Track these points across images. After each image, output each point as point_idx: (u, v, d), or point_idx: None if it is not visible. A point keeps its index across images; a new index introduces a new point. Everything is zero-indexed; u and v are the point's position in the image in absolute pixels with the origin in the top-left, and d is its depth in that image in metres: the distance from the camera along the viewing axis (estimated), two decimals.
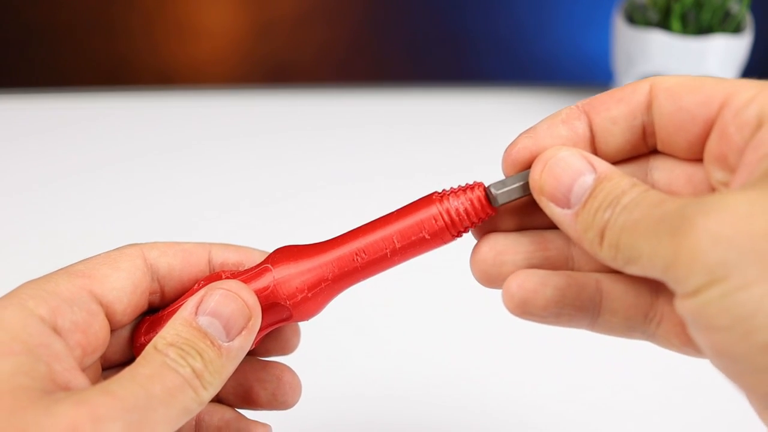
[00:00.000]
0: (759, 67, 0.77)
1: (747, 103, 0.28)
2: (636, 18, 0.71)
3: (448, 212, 0.32)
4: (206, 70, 0.98)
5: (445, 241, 0.33)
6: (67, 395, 0.28)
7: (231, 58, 1.01)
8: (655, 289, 0.31)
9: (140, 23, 0.99)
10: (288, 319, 0.33)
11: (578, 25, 0.99)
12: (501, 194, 0.32)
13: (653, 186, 0.32)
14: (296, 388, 0.37)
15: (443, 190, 0.33)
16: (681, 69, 0.68)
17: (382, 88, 0.82)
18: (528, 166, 0.32)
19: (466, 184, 0.33)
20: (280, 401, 0.36)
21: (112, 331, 0.33)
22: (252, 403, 0.36)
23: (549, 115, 0.33)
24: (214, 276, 0.34)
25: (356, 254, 0.33)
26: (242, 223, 0.67)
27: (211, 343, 0.31)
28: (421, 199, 0.33)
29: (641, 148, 0.32)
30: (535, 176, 0.31)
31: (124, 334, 0.34)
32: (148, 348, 0.30)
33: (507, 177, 0.32)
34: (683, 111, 0.30)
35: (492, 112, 0.79)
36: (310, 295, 0.33)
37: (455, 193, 0.33)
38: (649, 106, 0.31)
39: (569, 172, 0.30)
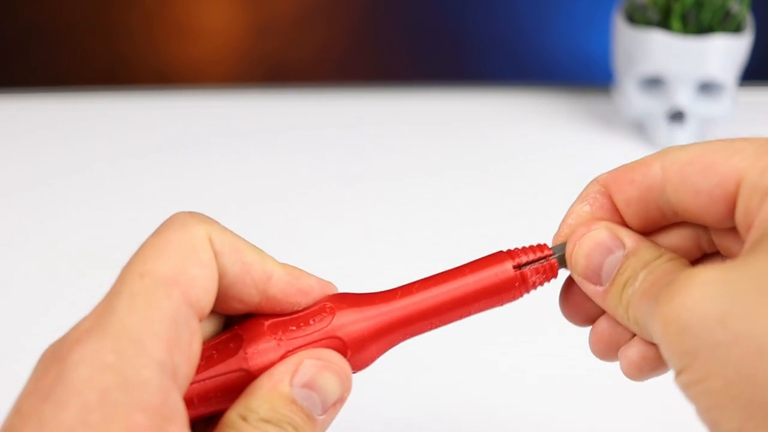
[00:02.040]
0: (759, 67, 0.77)
1: (761, 174, 0.27)
2: (636, 18, 0.71)
3: (523, 280, 0.32)
4: (205, 70, 0.98)
5: (512, 301, 0.33)
6: None
7: (230, 58, 1.01)
8: None
9: (140, 23, 0.99)
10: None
11: (579, 24, 0.99)
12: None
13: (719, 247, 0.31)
14: None
15: (509, 250, 0.33)
16: (681, 69, 0.68)
17: (381, 88, 0.82)
18: None
19: (531, 246, 0.33)
20: None
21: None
22: None
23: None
24: (253, 322, 0.31)
25: (431, 322, 0.32)
26: (242, 223, 0.66)
27: (307, 417, 0.28)
28: (492, 258, 0.33)
29: (668, 221, 0.31)
30: (568, 255, 0.31)
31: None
32: (236, 419, 0.28)
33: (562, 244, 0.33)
34: (702, 195, 0.29)
35: (492, 112, 0.79)
36: (375, 343, 0.31)
37: (528, 258, 0.33)
38: (662, 191, 0.30)
39: (599, 250, 0.30)
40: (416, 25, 1.02)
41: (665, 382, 0.52)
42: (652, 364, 0.31)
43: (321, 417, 0.29)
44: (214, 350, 0.30)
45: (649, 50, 0.68)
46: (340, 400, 0.29)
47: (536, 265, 0.32)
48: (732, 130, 0.75)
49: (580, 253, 0.31)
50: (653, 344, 0.30)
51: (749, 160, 0.28)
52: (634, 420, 0.52)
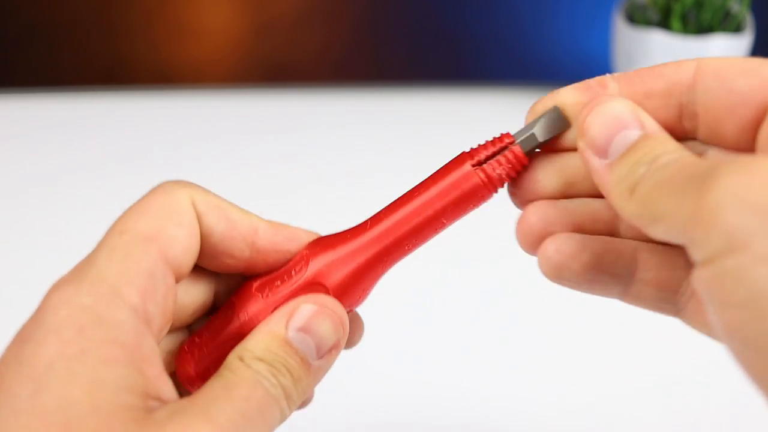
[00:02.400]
0: None
1: None
2: (636, 18, 0.71)
3: (488, 177, 0.31)
4: (205, 70, 0.98)
5: (485, 200, 0.32)
6: (167, 418, 0.26)
7: (230, 58, 1.01)
8: (691, 263, 0.30)
9: (140, 23, 0.99)
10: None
11: (578, 24, 0.99)
12: (531, 137, 0.31)
13: None
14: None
15: (471, 149, 0.32)
16: None
17: (381, 87, 0.82)
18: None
19: (493, 138, 0.32)
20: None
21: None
22: None
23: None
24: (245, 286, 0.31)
25: (406, 244, 0.31)
26: None
27: (302, 360, 0.29)
28: (453, 163, 0.32)
29: (675, 132, 0.29)
30: (581, 118, 0.29)
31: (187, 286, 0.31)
32: (233, 361, 0.28)
33: (527, 124, 0.32)
34: (735, 94, 0.28)
35: (492, 111, 0.79)
36: (358, 286, 0.31)
37: (488, 152, 0.31)
38: (692, 87, 0.29)
39: (616, 123, 0.28)
40: (416, 25, 1.01)
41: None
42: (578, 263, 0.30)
43: (316, 362, 0.29)
44: (216, 320, 0.31)
45: (649, 50, 0.68)
46: (336, 347, 0.30)
47: (498, 157, 0.31)
48: None
49: (594, 120, 0.29)
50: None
51: None
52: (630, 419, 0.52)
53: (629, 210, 0.27)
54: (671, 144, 0.27)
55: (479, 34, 0.99)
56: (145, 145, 0.75)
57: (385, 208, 0.32)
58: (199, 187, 0.30)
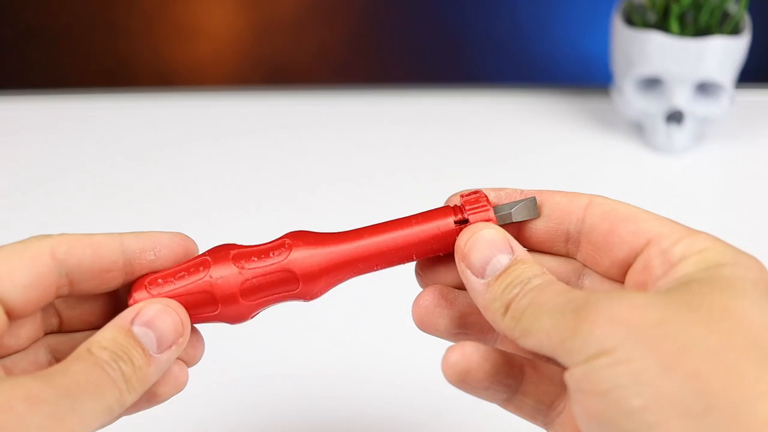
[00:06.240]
0: (757, 68, 0.78)
1: (673, 244, 0.32)
2: (634, 19, 0.71)
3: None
4: (205, 71, 0.98)
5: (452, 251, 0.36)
6: (3, 378, 0.30)
7: (230, 59, 1.01)
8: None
9: (140, 24, 0.99)
10: (297, 298, 0.35)
11: (577, 26, 0.99)
12: (507, 216, 0.36)
13: (580, 288, 0.36)
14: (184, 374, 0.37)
15: (456, 206, 0.36)
16: (679, 70, 0.68)
17: (380, 89, 0.82)
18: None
19: (472, 196, 0.36)
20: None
21: (11, 321, 0.34)
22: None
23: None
24: (222, 248, 0.35)
25: (376, 263, 0.35)
26: (241, 223, 0.67)
27: (143, 351, 0.33)
28: (438, 212, 0.36)
29: (558, 250, 0.36)
30: (461, 244, 0.34)
31: (25, 324, 0.35)
32: (81, 350, 0.32)
33: (506, 204, 0.36)
34: (615, 235, 0.33)
35: (491, 113, 0.79)
36: (325, 284, 0.35)
37: (469, 207, 0.35)
38: (580, 220, 0.35)
39: (491, 248, 0.34)
40: (415, 27, 1.02)
41: None
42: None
43: (157, 355, 0.33)
44: (185, 271, 0.35)
45: (648, 51, 0.69)
46: (176, 344, 0.34)
47: (479, 216, 0.35)
48: (729, 131, 0.75)
49: (473, 245, 0.34)
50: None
51: (665, 230, 0.32)
52: None
53: (503, 325, 0.32)
54: (538, 268, 0.33)
55: (478, 36, 0.99)
56: (146, 146, 0.75)
57: (371, 226, 0.36)
58: (65, 234, 0.35)
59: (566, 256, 0.36)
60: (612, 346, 0.28)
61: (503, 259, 0.33)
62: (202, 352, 0.37)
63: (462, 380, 0.34)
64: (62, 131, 0.78)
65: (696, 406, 0.26)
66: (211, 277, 0.34)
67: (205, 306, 0.35)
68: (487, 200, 0.35)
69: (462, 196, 0.36)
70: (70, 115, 0.79)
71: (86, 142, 0.76)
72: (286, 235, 0.35)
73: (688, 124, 0.71)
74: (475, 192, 0.36)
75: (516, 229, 0.36)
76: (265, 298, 0.35)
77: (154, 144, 0.76)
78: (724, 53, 0.68)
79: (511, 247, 0.34)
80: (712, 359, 0.27)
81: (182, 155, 0.74)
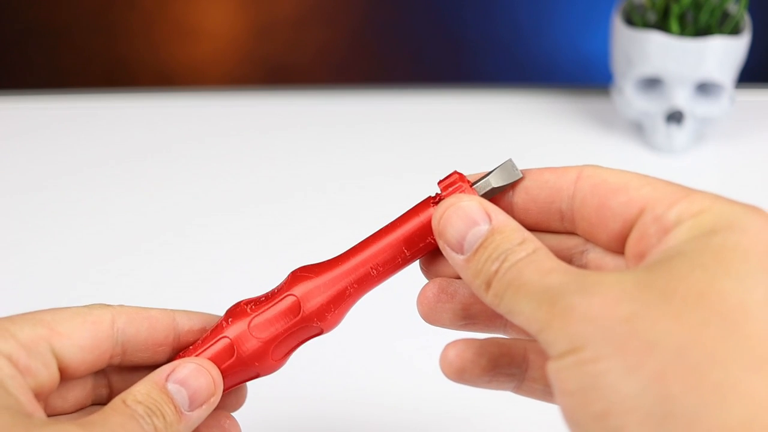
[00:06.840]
0: (757, 68, 0.78)
1: (667, 209, 0.30)
2: (634, 19, 0.71)
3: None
4: (206, 71, 0.98)
5: None
6: (47, 422, 0.31)
7: (230, 60, 1.01)
8: None
9: (140, 24, 0.99)
10: (319, 333, 0.36)
11: (577, 26, 0.99)
12: (486, 183, 0.34)
13: (585, 265, 0.34)
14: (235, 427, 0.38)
15: (437, 194, 0.35)
16: (679, 70, 0.68)
17: (380, 89, 0.82)
18: None
19: (447, 178, 0.35)
20: None
21: (62, 382, 0.34)
22: None
23: None
24: (237, 308, 0.36)
25: (372, 268, 0.35)
26: (241, 224, 0.67)
27: (175, 408, 0.34)
28: (418, 205, 0.35)
29: (556, 227, 0.34)
30: (434, 221, 0.33)
31: (75, 388, 0.36)
32: (116, 401, 0.33)
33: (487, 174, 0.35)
34: (606, 209, 0.32)
35: (491, 113, 0.79)
36: (336, 311, 0.35)
37: (444, 188, 0.35)
38: (571, 197, 0.33)
39: (465, 221, 0.32)
40: (415, 27, 1.02)
41: None
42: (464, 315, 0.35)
43: (188, 413, 0.34)
44: (210, 331, 0.36)
45: (648, 51, 0.69)
46: (207, 403, 0.34)
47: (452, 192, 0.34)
48: (730, 131, 0.75)
49: (447, 220, 0.32)
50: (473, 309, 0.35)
51: (659, 194, 0.31)
52: None
53: (488, 301, 0.31)
54: (516, 236, 0.31)
55: (478, 36, 0.99)
56: (146, 146, 0.75)
57: (363, 241, 0.36)
58: (125, 306, 0.36)
59: (566, 233, 0.34)
60: (581, 344, 0.27)
61: (481, 230, 0.31)
62: (244, 401, 0.38)
63: (460, 378, 0.34)
64: (62, 131, 0.78)
65: (656, 411, 0.25)
66: (227, 336, 0.35)
67: (228, 359, 0.36)
68: (462, 177, 0.34)
69: (439, 183, 0.35)
70: (70, 115, 0.79)
71: (86, 142, 0.76)
72: (288, 276, 0.36)
73: (688, 124, 0.71)
74: (449, 174, 0.35)
75: (509, 212, 0.34)
76: (281, 338, 0.35)
77: (154, 144, 0.76)
78: (724, 53, 0.68)
79: (488, 215, 0.32)
80: (676, 359, 0.25)
81: (182, 155, 0.74)
